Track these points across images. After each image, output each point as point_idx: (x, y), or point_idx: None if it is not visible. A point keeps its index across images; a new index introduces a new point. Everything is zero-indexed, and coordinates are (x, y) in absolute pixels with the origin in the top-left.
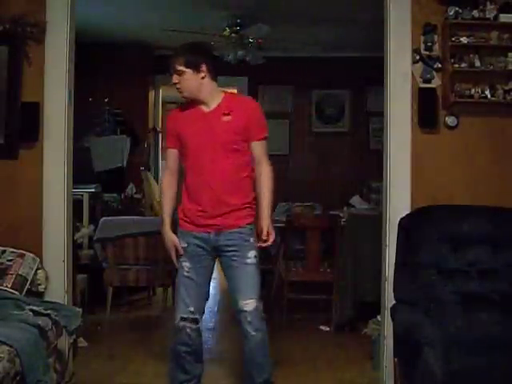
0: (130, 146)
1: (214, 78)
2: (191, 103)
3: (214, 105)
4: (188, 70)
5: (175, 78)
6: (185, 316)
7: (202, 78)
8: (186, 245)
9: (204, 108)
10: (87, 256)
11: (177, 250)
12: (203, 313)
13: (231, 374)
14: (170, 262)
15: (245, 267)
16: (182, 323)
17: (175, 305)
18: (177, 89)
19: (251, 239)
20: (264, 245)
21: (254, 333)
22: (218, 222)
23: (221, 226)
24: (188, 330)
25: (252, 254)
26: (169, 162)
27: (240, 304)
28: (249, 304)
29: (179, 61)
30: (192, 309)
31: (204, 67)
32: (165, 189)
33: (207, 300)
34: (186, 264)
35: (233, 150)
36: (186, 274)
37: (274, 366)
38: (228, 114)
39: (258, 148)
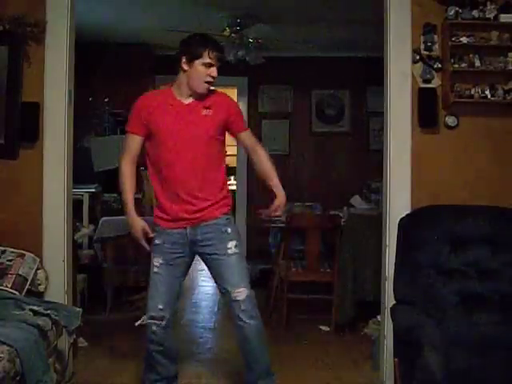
0: None
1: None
2: (166, 93)
3: (191, 97)
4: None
5: (216, 73)
6: (153, 314)
7: (184, 70)
8: (159, 242)
9: (183, 100)
10: (87, 256)
11: (146, 234)
12: (174, 311)
13: (231, 373)
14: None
15: (227, 258)
16: (148, 321)
17: (147, 301)
18: (209, 82)
19: (229, 229)
20: (277, 213)
21: (248, 320)
22: (194, 215)
23: (196, 220)
24: (154, 328)
25: (232, 244)
26: (131, 148)
27: (232, 295)
28: (241, 292)
29: (222, 58)
30: (161, 306)
31: (184, 59)
32: (126, 177)
33: (178, 298)
34: (158, 260)
35: (211, 144)
36: (156, 269)
37: (273, 366)
38: (208, 108)
39: (248, 137)
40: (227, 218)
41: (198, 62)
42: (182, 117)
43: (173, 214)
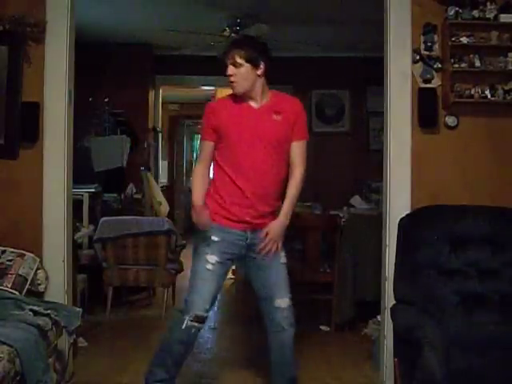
0: (129, 146)
1: (267, 77)
2: (236, 98)
3: (263, 102)
4: (247, 65)
5: (231, 70)
6: (198, 313)
7: (259, 75)
8: (218, 239)
9: (253, 104)
10: (87, 256)
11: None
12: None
13: (231, 374)
14: (173, 262)
15: (279, 266)
16: (190, 323)
17: (188, 298)
18: (230, 81)
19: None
20: (263, 249)
21: (287, 327)
22: (256, 220)
23: (257, 225)
24: (194, 330)
25: (283, 253)
26: (204, 154)
27: (276, 302)
28: (285, 301)
29: (240, 54)
30: (207, 306)
31: (262, 65)
32: (197, 178)
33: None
34: (214, 257)
35: (278, 149)
36: (210, 267)
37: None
38: (279, 113)
39: (296, 149)
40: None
41: None
42: (251, 121)
43: (237, 214)
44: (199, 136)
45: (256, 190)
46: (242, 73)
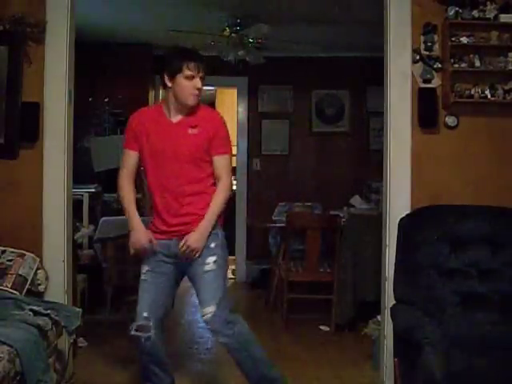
0: None
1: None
2: (157, 109)
3: (180, 116)
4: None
5: (200, 83)
6: (139, 323)
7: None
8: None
9: (171, 117)
10: (87, 256)
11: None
12: (160, 323)
13: (231, 373)
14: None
15: (203, 275)
16: (133, 332)
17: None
18: (196, 95)
19: (212, 244)
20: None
21: (222, 339)
22: (180, 228)
23: (181, 233)
24: (141, 340)
25: (211, 259)
26: (127, 163)
27: (201, 310)
28: (206, 311)
29: (204, 67)
30: (145, 314)
31: None
32: (125, 191)
33: (167, 308)
34: (145, 267)
35: (195, 162)
36: (143, 277)
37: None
38: (195, 127)
39: (217, 163)
40: (212, 233)
41: (179, 77)
42: (168, 135)
43: (156, 225)
44: None
45: (172, 203)
46: (202, 86)
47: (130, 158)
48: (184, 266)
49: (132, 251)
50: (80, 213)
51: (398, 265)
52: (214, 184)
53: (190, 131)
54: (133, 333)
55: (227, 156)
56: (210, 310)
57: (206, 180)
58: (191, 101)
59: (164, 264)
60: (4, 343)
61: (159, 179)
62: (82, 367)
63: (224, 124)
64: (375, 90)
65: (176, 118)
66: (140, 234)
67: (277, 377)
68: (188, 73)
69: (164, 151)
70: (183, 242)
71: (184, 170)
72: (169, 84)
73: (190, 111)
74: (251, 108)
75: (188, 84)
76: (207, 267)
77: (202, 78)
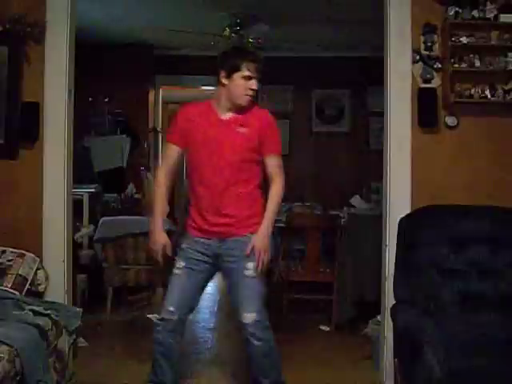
0: (130, 146)
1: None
2: (206, 105)
3: (230, 114)
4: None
5: (256, 85)
6: (165, 316)
7: None
8: (185, 246)
9: (221, 114)
10: (87, 256)
11: (165, 252)
12: (185, 317)
13: (231, 373)
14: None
15: (244, 280)
16: (155, 320)
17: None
18: (250, 95)
19: (245, 247)
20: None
21: (257, 342)
22: (221, 229)
23: (223, 234)
24: (159, 328)
25: (251, 265)
26: (167, 157)
27: (241, 316)
28: (248, 317)
29: (261, 69)
30: (171, 308)
31: None
32: (159, 186)
33: (192, 308)
34: (180, 262)
35: (242, 161)
36: (176, 271)
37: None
38: (244, 126)
39: (271, 163)
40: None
41: (236, 76)
42: (217, 133)
43: (199, 224)
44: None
45: (217, 202)
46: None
47: (172, 152)
48: (223, 267)
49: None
50: (80, 213)
51: (398, 265)
52: (259, 186)
53: (239, 130)
54: (155, 320)
55: (279, 155)
56: (253, 316)
57: (250, 181)
58: (244, 101)
59: (201, 263)
60: (4, 343)
61: (203, 176)
62: (82, 367)
63: (274, 123)
64: (375, 90)
65: (226, 116)
66: (155, 237)
67: (283, 382)
68: (246, 73)
69: (211, 148)
70: (255, 250)
71: (229, 170)
72: (225, 82)
73: (240, 110)
74: None
75: (244, 84)
76: (247, 272)
77: (258, 80)
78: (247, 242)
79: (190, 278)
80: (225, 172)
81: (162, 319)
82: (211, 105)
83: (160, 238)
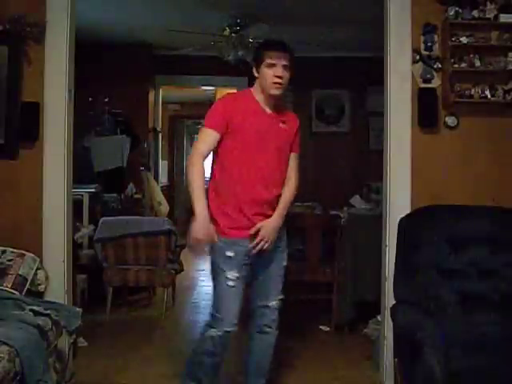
0: (129, 146)
1: None
2: (248, 96)
3: (271, 109)
4: (290, 68)
5: (283, 72)
6: (228, 329)
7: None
8: (233, 254)
9: (266, 109)
10: (87, 256)
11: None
12: None
13: (231, 373)
14: (173, 262)
15: (282, 269)
16: (218, 333)
17: (216, 314)
18: (278, 83)
19: (284, 237)
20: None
21: (274, 329)
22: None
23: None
24: (219, 341)
25: (286, 255)
26: (208, 143)
27: (270, 301)
28: (277, 303)
29: (288, 56)
30: (235, 321)
31: None
32: (197, 177)
33: None
34: (234, 274)
35: (283, 156)
36: (232, 283)
37: (273, 365)
38: (284, 122)
39: (292, 160)
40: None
41: (263, 66)
42: (263, 125)
43: (237, 221)
44: (199, 136)
45: (260, 196)
46: (287, 77)
47: (213, 139)
48: (261, 261)
49: (189, 244)
50: (80, 213)
51: (397, 265)
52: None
53: (282, 125)
54: (216, 334)
55: (298, 156)
56: (279, 302)
57: (285, 173)
58: (273, 90)
59: (246, 267)
60: (4, 343)
61: (246, 167)
62: (82, 367)
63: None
64: (375, 90)
65: (268, 110)
66: (199, 226)
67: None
68: (269, 61)
69: (256, 139)
70: (261, 234)
71: (276, 160)
72: (256, 74)
73: (277, 105)
74: None
75: (269, 72)
76: (285, 262)
77: (285, 67)
78: (282, 233)
79: (242, 287)
80: (271, 165)
81: (226, 331)
82: (253, 97)
83: (210, 228)
